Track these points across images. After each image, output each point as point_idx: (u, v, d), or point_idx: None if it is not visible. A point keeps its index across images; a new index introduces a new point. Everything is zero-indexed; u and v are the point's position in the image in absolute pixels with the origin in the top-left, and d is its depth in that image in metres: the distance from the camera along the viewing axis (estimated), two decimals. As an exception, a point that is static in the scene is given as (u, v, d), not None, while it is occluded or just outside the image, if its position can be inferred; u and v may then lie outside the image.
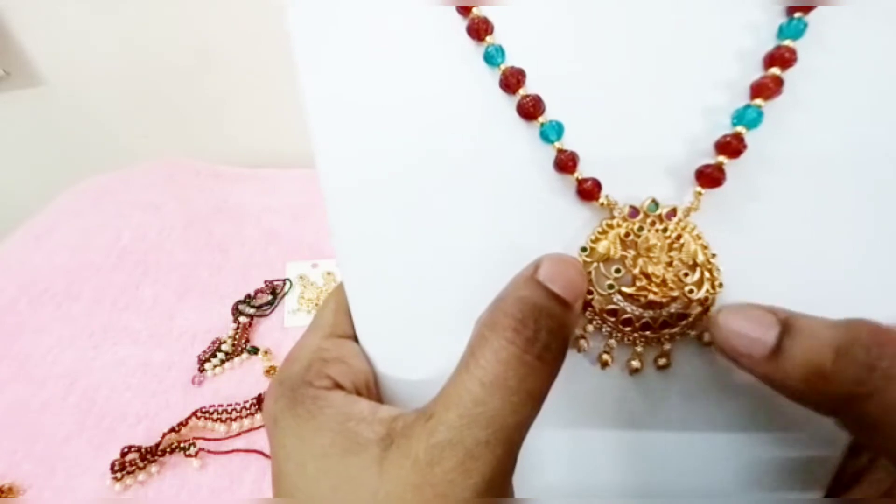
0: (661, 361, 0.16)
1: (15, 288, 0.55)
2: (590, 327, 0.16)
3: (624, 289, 0.15)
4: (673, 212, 0.15)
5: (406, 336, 0.17)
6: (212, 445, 0.41)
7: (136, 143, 0.79)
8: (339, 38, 0.16)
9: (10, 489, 0.39)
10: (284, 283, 0.56)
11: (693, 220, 0.15)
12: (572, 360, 0.16)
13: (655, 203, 0.15)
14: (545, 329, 0.13)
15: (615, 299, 0.15)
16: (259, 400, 0.44)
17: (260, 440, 0.42)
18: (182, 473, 0.40)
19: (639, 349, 0.16)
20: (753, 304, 0.14)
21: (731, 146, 0.14)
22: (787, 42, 0.14)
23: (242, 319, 0.52)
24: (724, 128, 0.15)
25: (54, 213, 0.66)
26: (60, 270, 0.57)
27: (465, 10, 0.15)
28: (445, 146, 0.16)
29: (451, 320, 0.15)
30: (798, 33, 0.14)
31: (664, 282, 0.15)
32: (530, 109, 0.15)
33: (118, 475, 0.39)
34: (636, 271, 0.15)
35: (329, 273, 0.57)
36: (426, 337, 0.17)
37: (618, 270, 0.15)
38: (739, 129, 0.14)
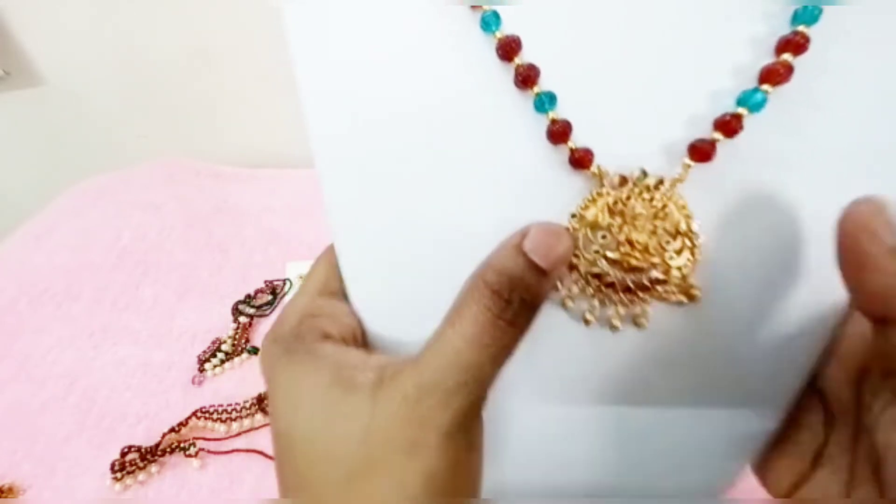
0: (640, 320, 0.17)
1: (15, 288, 0.55)
2: (575, 288, 0.17)
3: (608, 254, 0.16)
4: (660, 182, 0.16)
5: (395, 297, 0.18)
6: (212, 445, 0.41)
7: (136, 143, 0.79)
8: (331, 8, 0.16)
9: (10, 489, 0.39)
10: (284, 283, 0.56)
11: (681, 191, 0.16)
12: (558, 319, 0.17)
13: (644, 173, 0.16)
14: (518, 300, 0.15)
15: (600, 264, 0.16)
16: (259, 400, 0.44)
17: (260, 440, 0.42)
18: (182, 473, 0.40)
19: (619, 310, 0.17)
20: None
21: (729, 125, 0.15)
22: (801, 28, 0.14)
23: (242, 319, 0.52)
24: (729, 109, 0.15)
25: (54, 213, 0.66)
26: (60, 270, 0.57)
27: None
28: (439, 112, 0.16)
29: (439, 282, 0.16)
30: (813, 19, 0.14)
31: (646, 249, 0.16)
32: (526, 77, 0.15)
33: (118, 475, 0.39)
34: (621, 238, 0.16)
35: (329, 273, 0.57)
36: (414, 298, 0.17)
37: (604, 237, 0.16)
38: (741, 110, 0.15)
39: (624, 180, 0.16)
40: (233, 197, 0.69)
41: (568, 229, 0.16)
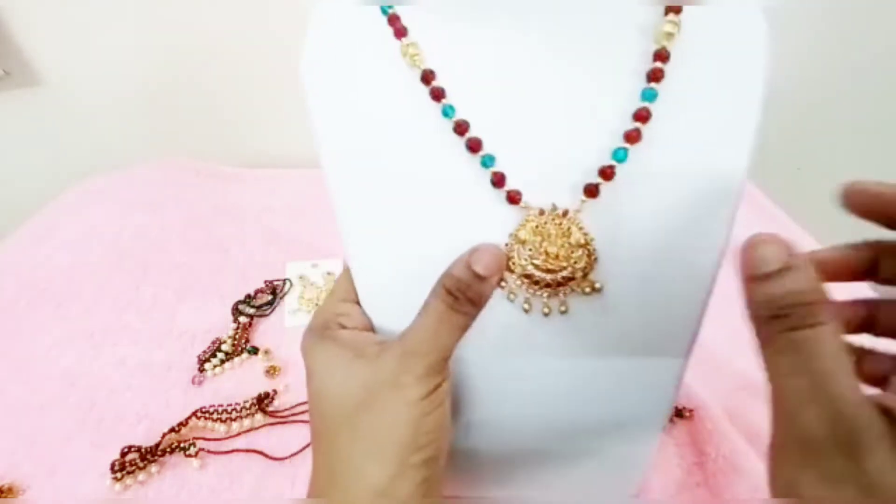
0: (562, 308, 0.24)
1: (15, 288, 0.55)
2: (514, 286, 0.24)
3: (533, 261, 0.23)
4: (565, 212, 0.23)
5: (389, 302, 0.26)
6: (212, 445, 0.41)
7: (136, 143, 0.79)
8: (348, 99, 0.24)
9: (10, 489, 0.39)
10: (284, 283, 0.56)
11: (581, 217, 0.23)
12: (506, 306, 0.25)
13: (555, 206, 0.23)
14: (464, 296, 0.22)
15: (528, 268, 0.23)
16: (259, 400, 0.44)
17: (260, 440, 0.42)
18: (182, 473, 0.40)
19: (545, 299, 0.24)
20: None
21: (606, 173, 0.22)
22: (646, 104, 0.22)
23: (242, 319, 0.52)
24: (608, 158, 0.23)
25: (54, 213, 0.66)
26: (60, 270, 0.57)
27: (426, 80, 0.23)
28: (421, 172, 0.24)
29: (421, 292, 0.23)
30: (653, 97, 0.22)
31: (557, 256, 0.23)
32: (473, 147, 0.23)
33: (118, 475, 0.39)
34: (541, 250, 0.23)
35: (329, 273, 0.57)
36: (403, 302, 0.24)
37: (530, 249, 0.23)
38: (613, 162, 0.22)
39: (542, 211, 0.23)
40: (233, 197, 0.69)
41: (507, 245, 0.24)
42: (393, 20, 0.23)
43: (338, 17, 0.24)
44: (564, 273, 0.23)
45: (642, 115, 0.22)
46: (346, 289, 0.26)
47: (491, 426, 0.28)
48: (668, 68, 0.22)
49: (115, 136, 0.78)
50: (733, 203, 0.23)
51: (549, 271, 0.23)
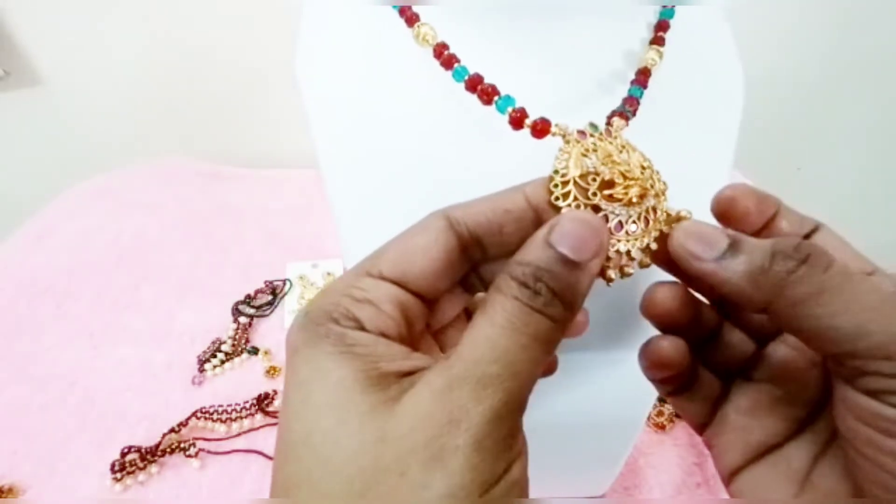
0: (627, 270, 0.17)
1: (15, 288, 0.55)
2: None
3: (606, 192, 0.16)
4: (608, 130, 0.18)
5: None
6: (212, 446, 0.41)
7: (136, 143, 0.79)
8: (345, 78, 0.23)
9: (10, 489, 0.39)
10: (284, 284, 0.56)
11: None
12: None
13: (594, 125, 0.18)
14: (547, 290, 0.14)
15: (602, 205, 0.16)
16: (259, 400, 0.44)
17: (260, 440, 0.42)
18: (182, 474, 0.40)
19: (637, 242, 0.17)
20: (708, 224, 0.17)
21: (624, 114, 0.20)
22: (627, 106, 0.20)
23: (242, 320, 0.52)
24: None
25: (54, 213, 0.66)
26: (60, 270, 0.57)
27: (438, 53, 0.21)
28: (428, 167, 0.22)
29: None
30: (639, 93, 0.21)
31: (636, 178, 0.16)
32: (488, 94, 0.19)
33: (118, 475, 0.39)
34: (611, 177, 0.16)
35: (329, 273, 0.57)
36: None
37: (593, 179, 0.16)
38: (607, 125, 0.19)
39: (582, 133, 0.17)
40: (233, 197, 0.69)
41: (553, 184, 0.16)
42: (404, 10, 0.22)
43: (330, 15, 0.24)
44: (650, 201, 0.17)
45: (623, 114, 0.20)
46: (376, 259, 0.16)
47: None
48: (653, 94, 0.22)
49: (115, 136, 0.78)
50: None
51: (630, 203, 0.16)
